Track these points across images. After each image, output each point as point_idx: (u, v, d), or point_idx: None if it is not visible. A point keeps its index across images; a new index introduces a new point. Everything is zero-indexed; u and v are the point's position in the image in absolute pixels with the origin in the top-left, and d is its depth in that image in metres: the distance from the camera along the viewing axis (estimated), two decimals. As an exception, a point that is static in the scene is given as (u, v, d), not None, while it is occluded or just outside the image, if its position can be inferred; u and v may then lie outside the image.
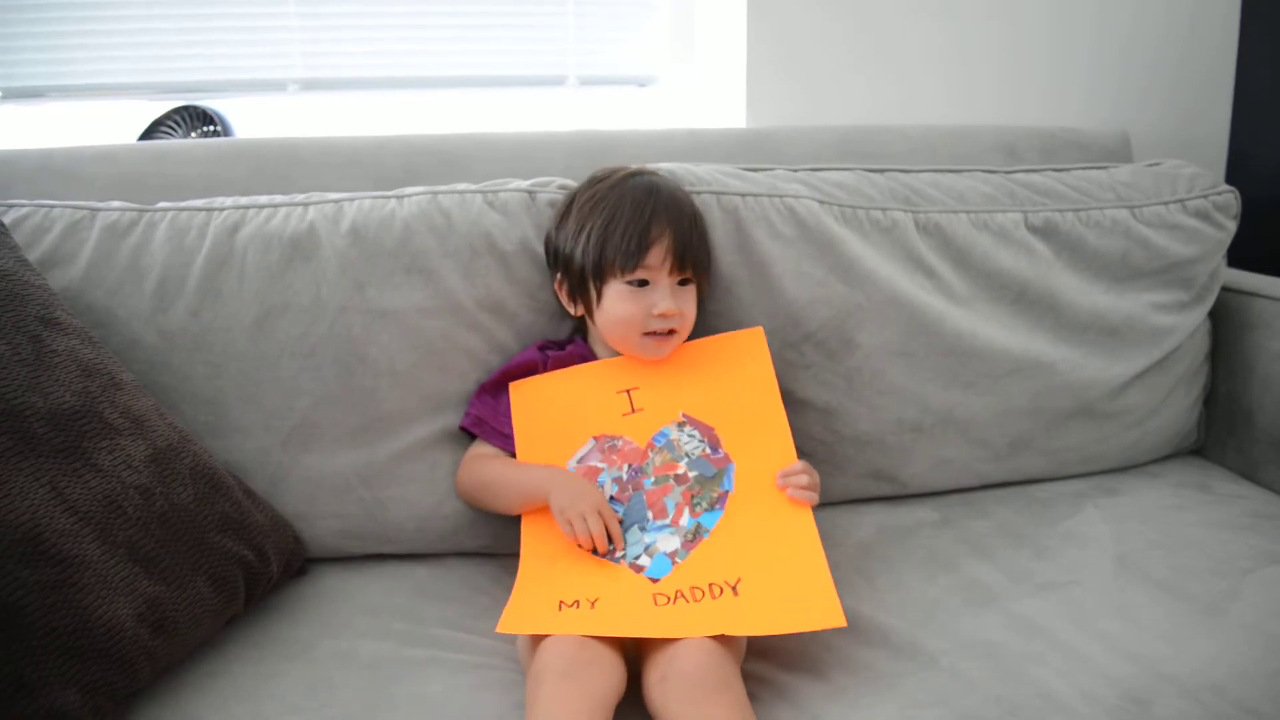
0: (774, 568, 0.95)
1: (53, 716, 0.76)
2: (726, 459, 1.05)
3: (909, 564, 1.12)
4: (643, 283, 1.07)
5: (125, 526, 0.87)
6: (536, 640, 0.88)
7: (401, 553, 1.16)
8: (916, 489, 1.30)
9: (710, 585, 0.93)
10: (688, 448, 1.06)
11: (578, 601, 0.93)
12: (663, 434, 1.07)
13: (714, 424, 1.07)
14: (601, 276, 1.08)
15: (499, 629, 0.93)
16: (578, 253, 1.09)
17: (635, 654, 0.90)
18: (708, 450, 1.05)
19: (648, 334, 1.08)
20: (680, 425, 1.07)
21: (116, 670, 0.82)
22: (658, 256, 1.06)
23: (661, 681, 0.84)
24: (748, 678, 0.89)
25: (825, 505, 1.26)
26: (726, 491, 1.02)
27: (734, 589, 0.92)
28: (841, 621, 0.89)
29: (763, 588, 0.92)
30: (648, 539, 1.00)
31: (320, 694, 0.89)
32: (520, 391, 1.12)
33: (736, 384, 1.09)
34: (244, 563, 0.98)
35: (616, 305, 1.08)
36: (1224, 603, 1.01)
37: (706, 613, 0.90)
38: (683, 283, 1.09)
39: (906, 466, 1.28)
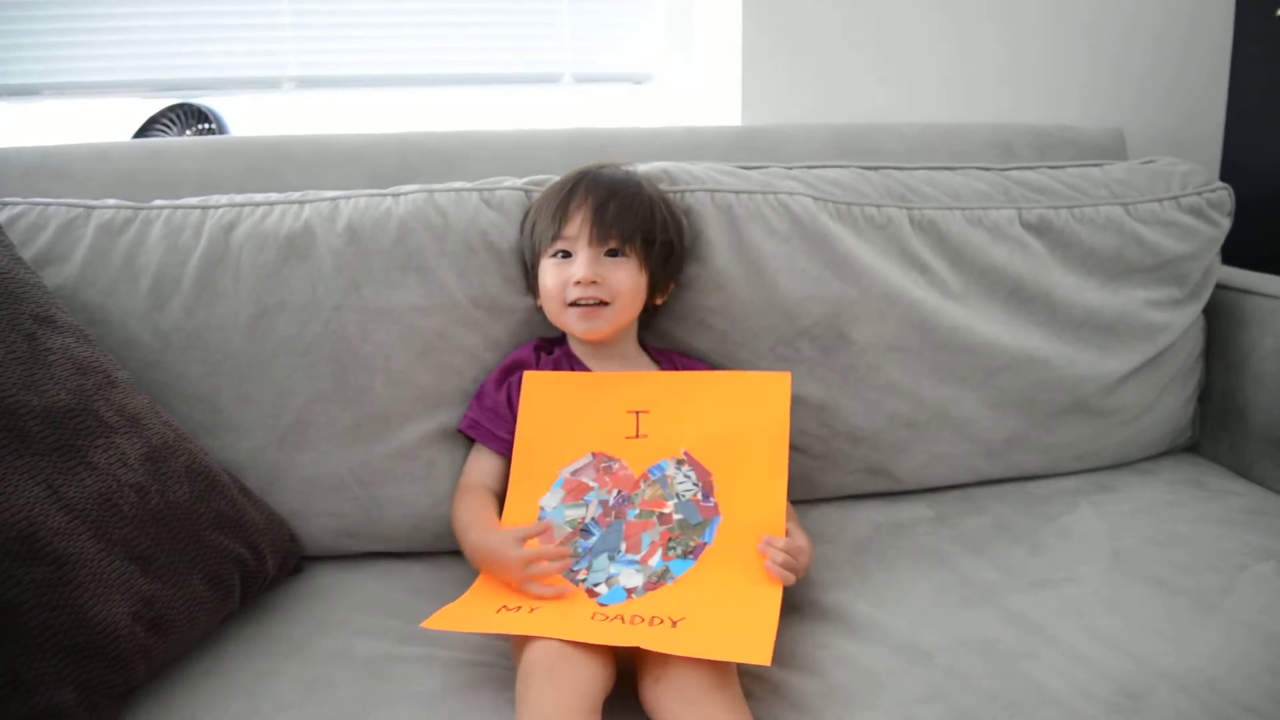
0: (721, 616, 0.92)
1: (49, 714, 0.76)
2: (715, 510, 1.03)
3: (904, 561, 1.13)
4: (566, 254, 1.09)
5: (121, 525, 0.87)
6: (525, 639, 0.88)
7: (397, 551, 1.16)
8: (912, 485, 1.30)
9: (653, 618, 0.91)
10: (680, 488, 1.04)
11: (519, 607, 0.93)
12: (659, 467, 1.06)
13: (712, 469, 1.05)
14: (536, 255, 1.12)
15: (424, 624, 0.91)
16: (522, 239, 1.15)
17: (629, 654, 0.90)
18: (699, 496, 1.04)
19: (572, 305, 1.08)
20: (679, 463, 1.06)
21: (112, 668, 0.82)
22: (574, 226, 1.08)
23: (657, 682, 0.84)
24: (743, 675, 0.89)
25: (821, 502, 1.27)
26: (705, 544, 1.00)
27: (673, 624, 0.90)
28: (767, 660, 0.84)
29: (702, 625, 0.90)
30: (613, 569, 0.99)
31: (316, 691, 0.89)
32: (533, 383, 1.10)
33: (747, 433, 1.06)
34: (240, 561, 0.98)
35: (544, 278, 1.11)
36: (1218, 598, 1.02)
37: (638, 632, 0.88)
38: (611, 253, 1.08)
39: (901, 462, 1.28)
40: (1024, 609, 1.01)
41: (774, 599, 0.93)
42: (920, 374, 1.26)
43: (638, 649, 0.89)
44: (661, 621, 0.90)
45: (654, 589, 0.97)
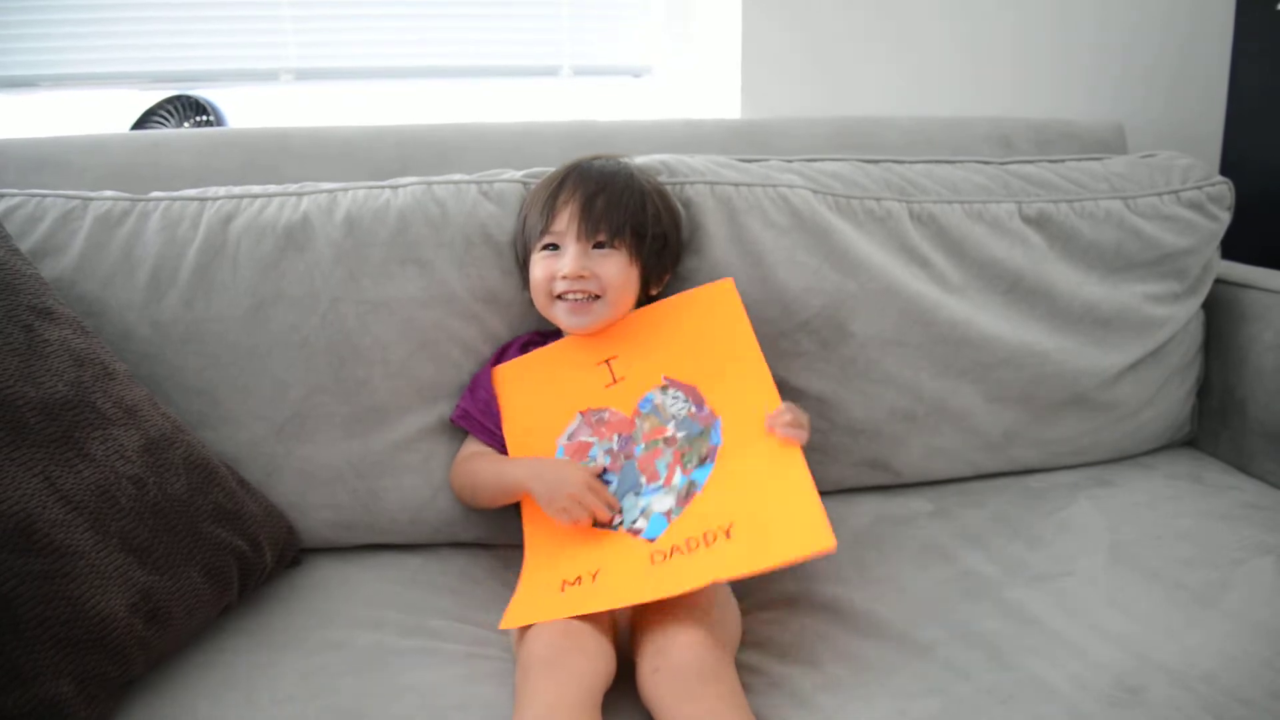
0: (764, 503, 0.94)
1: (47, 706, 0.76)
2: (712, 415, 1.04)
3: (903, 554, 1.13)
4: (555, 247, 1.09)
5: (118, 517, 0.87)
6: (525, 628, 0.88)
7: (396, 543, 1.16)
8: (911, 478, 1.30)
9: (705, 534, 0.93)
10: (673, 410, 1.06)
11: (580, 578, 0.94)
12: (647, 400, 1.07)
13: (696, 382, 1.06)
14: (527, 248, 1.12)
15: (502, 625, 0.93)
16: (515, 233, 1.15)
17: (628, 644, 0.91)
18: (693, 409, 1.05)
19: (560, 298, 1.08)
20: (663, 389, 1.07)
21: (110, 660, 0.82)
22: (563, 221, 1.08)
23: (654, 673, 0.84)
24: (741, 668, 0.89)
25: (821, 495, 1.26)
26: (715, 446, 1.02)
27: (726, 533, 0.92)
28: (831, 543, 0.86)
29: (754, 525, 0.91)
30: (643, 502, 1.00)
31: (314, 683, 0.89)
32: (503, 375, 1.12)
33: (713, 338, 1.08)
34: (238, 553, 0.98)
35: (533, 271, 1.11)
36: (1216, 593, 1.02)
37: (701, 562, 0.90)
38: (599, 245, 1.08)
39: (900, 455, 1.28)
40: (1022, 602, 1.01)
41: (800, 464, 0.95)
42: (919, 367, 1.26)
43: (637, 638, 0.89)
44: (715, 537, 0.92)
45: (687, 502, 0.98)
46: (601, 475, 1.04)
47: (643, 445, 1.05)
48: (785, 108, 1.73)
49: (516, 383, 1.12)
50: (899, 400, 1.25)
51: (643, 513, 0.99)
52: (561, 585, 0.94)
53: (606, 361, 1.10)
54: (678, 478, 1.01)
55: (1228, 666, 0.90)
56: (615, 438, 1.06)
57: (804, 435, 0.99)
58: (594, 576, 0.94)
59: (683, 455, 1.02)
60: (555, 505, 1.00)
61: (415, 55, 1.80)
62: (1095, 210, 1.33)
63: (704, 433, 1.03)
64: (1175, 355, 1.39)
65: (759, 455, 0.99)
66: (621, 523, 1.00)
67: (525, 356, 1.13)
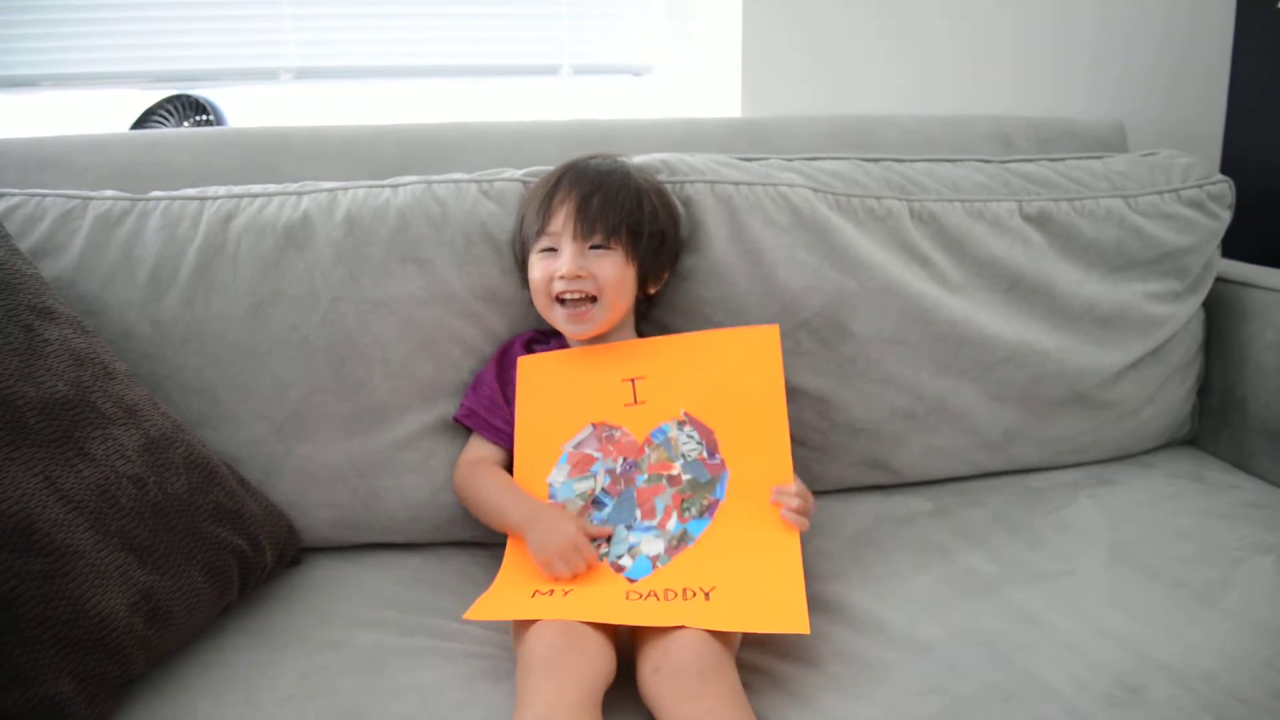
0: (750, 580, 0.94)
1: (47, 706, 0.76)
2: (722, 466, 1.03)
3: (903, 553, 1.13)
4: (553, 249, 1.09)
5: (118, 516, 0.87)
6: (525, 628, 0.88)
7: (396, 542, 1.16)
8: (911, 477, 1.30)
9: (685, 590, 0.93)
10: (685, 448, 1.05)
11: (552, 590, 0.94)
12: (661, 430, 1.06)
13: (714, 427, 1.05)
14: (525, 248, 1.12)
15: (466, 616, 0.93)
16: (513, 232, 1.15)
17: (629, 644, 0.91)
18: (704, 454, 1.04)
19: (559, 301, 1.08)
20: (680, 424, 1.06)
21: (110, 660, 0.82)
22: (559, 221, 1.08)
23: (655, 672, 0.84)
24: (742, 667, 0.89)
25: (821, 494, 1.26)
26: (718, 500, 1.02)
27: (706, 595, 0.92)
28: (806, 629, 0.88)
29: (735, 597, 0.92)
30: (632, 539, 1.00)
31: (314, 682, 0.89)
32: (527, 367, 1.11)
33: (743, 387, 1.06)
34: (238, 552, 0.98)
35: (532, 272, 1.11)
36: (1216, 592, 1.02)
37: (675, 610, 0.90)
38: (596, 247, 1.07)
39: (900, 454, 1.28)
40: (1023, 601, 1.01)
41: (794, 552, 0.96)
42: (920, 366, 1.26)
43: (638, 638, 0.89)
44: (694, 594, 0.92)
45: (676, 553, 0.98)
46: (596, 498, 1.04)
47: (646, 476, 1.04)
48: (785, 106, 1.73)
49: (539, 376, 1.10)
50: (899, 399, 1.25)
51: (629, 550, 0.99)
52: (533, 593, 0.94)
53: (632, 380, 1.09)
54: (673, 523, 1.01)
55: (1228, 666, 0.90)
56: (621, 460, 1.05)
57: (805, 524, 0.99)
58: (565, 593, 0.94)
59: (683, 501, 1.02)
60: (541, 556, 0.97)
61: (415, 55, 1.80)
62: (1096, 209, 1.32)
63: (710, 483, 1.03)
64: (1176, 354, 1.39)
65: (757, 530, 0.99)
66: (607, 554, 0.99)
67: (555, 353, 1.12)
